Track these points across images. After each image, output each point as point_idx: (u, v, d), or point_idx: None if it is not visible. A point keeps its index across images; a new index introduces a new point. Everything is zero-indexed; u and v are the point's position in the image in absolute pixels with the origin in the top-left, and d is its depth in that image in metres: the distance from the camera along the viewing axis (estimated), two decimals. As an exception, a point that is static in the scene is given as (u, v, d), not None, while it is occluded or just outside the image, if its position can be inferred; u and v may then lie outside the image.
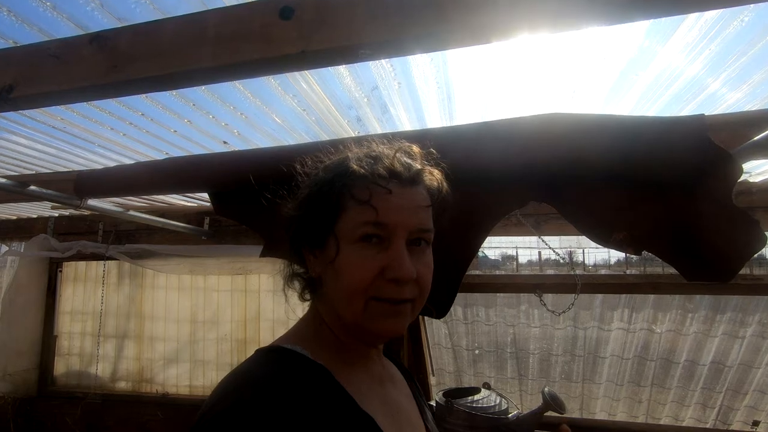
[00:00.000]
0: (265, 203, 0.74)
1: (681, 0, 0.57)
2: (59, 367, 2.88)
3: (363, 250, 0.56)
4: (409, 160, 0.61)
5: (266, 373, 0.54)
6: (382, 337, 0.63)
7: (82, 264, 2.90)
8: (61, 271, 2.93)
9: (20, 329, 2.73)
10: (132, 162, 1.56)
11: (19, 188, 1.41)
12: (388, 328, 0.58)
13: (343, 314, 0.59)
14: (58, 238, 2.69)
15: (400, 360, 0.83)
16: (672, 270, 1.19)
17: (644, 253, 1.22)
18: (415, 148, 0.65)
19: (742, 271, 1.82)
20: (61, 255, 2.63)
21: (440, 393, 2.00)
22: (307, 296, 0.67)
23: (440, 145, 0.71)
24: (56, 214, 2.77)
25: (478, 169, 1.12)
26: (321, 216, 0.59)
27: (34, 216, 2.87)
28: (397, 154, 0.61)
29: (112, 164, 1.69)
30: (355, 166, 0.59)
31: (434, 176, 0.63)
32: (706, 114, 1.02)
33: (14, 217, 2.92)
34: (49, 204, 2.35)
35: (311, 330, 0.64)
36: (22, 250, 2.79)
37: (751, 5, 0.81)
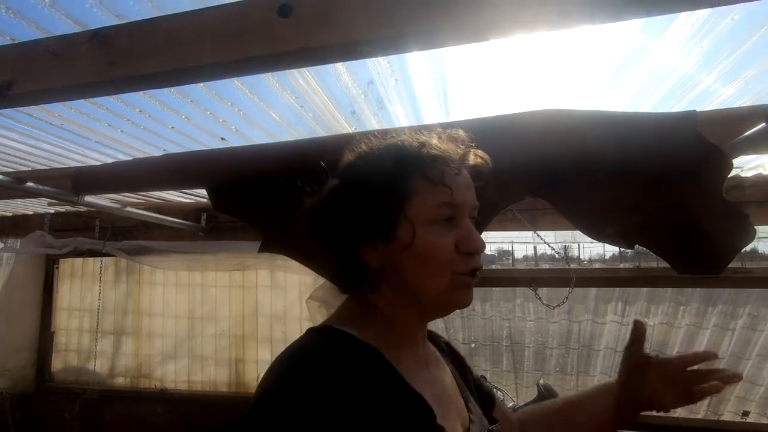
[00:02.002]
0: (267, 199, 0.74)
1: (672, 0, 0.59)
2: (57, 364, 2.88)
3: (440, 230, 0.59)
4: (456, 144, 0.64)
5: (320, 351, 0.56)
6: (455, 309, 0.66)
7: (78, 260, 2.89)
8: (57, 268, 2.92)
9: (17, 326, 2.73)
10: (129, 158, 1.57)
11: (16, 184, 1.41)
12: (467, 298, 0.62)
13: (427, 294, 0.60)
14: (54, 235, 2.68)
15: (443, 339, 0.85)
16: (665, 264, 1.22)
17: (637, 247, 1.24)
18: (461, 132, 0.66)
19: (733, 264, 1.85)
20: (58, 252, 2.62)
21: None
22: (350, 288, 0.67)
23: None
24: (52, 211, 2.77)
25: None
26: (390, 203, 0.59)
27: (30, 212, 2.86)
28: (446, 137, 0.64)
29: (109, 161, 1.69)
30: (424, 150, 0.60)
31: (480, 156, 0.66)
32: (698, 110, 1.04)
33: (10, 214, 2.91)
34: (44, 200, 2.34)
35: (360, 315, 0.64)
36: (18, 247, 2.79)
37: (740, 4, 0.82)
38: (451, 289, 0.60)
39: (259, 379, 0.54)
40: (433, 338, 0.80)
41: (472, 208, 0.62)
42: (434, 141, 0.63)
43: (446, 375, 0.72)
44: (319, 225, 0.65)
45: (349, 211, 0.61)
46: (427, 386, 0.62)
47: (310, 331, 0.62)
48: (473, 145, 0.66)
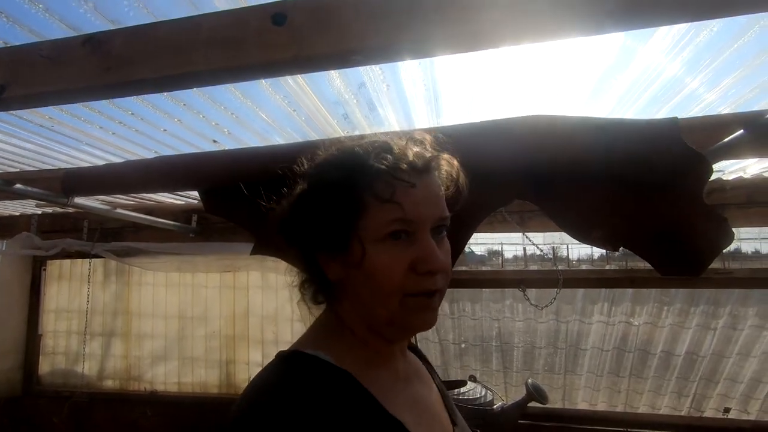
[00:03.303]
0: (259, 202, 0.73)
1: (652, 15, 0.61)
2: (44, 366, 2.85)
3: (391, 248, 0.54)
4: (420, 149, 0.59)
5: (285, 385, 0.52)
6: (416, 332, 0.62)
7: (66, 262, 2.86)
8: (45, 270, 2.89)
9: (3, 329, 2.69)
10: (121, 161, 1.56)
11: (4, 186, 1.40)
12: (423, 321, 0.57)
13: (377, 315, 0.57)
14: (41, 236, 2.65)
15: (419, 349, 0.80)
16: (649, 265, 1.25)
17: (622, 248, 1.28)
18: (427, 136, 0.62)
19: (715, 265, 1.90)
20: (45, 253, 2.59)
21: (428, 386, 2.05)
22: (321, 300, 0.64)
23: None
24: (40, 212, 2.73)
25: (464, 168, 1.16)
26: (339, 218, 0.55)
27: (17, 213, 2.82)
28: (409, 143, 0.59)
29: (100, 163, 1.68)
30: (372, 162, 0.55)
31: (448, 162, 0.61)
32: (680, 117, 1.07)
33: (-5, 215, 2.87)
34: (32, 201, 2.31)
35: (331, 333, 0.60)
36: (4, 249, 2.75)
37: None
38: (403, 311, 0.55)
39: (229, 413, 0.52)
40: (411, 347, 0.76)
41: (436, 220, 0.56)
42: (392, 147, 0.57)
43: (430, 388, 0.69)
44: (285, 228, 0.62)
45: (308, 218, 0.58)
46: (408, 407, 0.59)
47: (279, 358, 0.57)
48: (443, 149, 0.62)
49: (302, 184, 0.62)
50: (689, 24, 0.92)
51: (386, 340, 0.61)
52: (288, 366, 0.55)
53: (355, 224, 0.55)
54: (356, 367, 0.56)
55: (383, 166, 0.54)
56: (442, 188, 0.59)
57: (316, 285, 0.63)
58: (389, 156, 0.55)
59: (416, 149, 0.59)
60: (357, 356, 0.58)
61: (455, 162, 0.63)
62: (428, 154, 0.59)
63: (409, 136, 0.62)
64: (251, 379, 0.56)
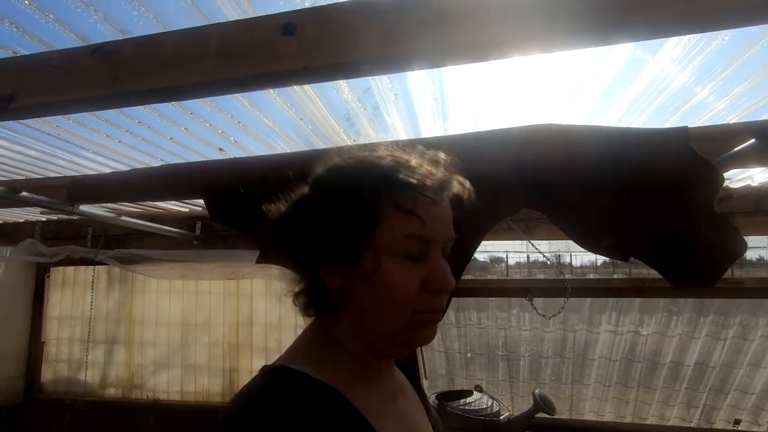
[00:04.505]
0: (264, 211, 0.72)
1: (660, 26, 0.61)
2: (46, 374, 2.84)
3: (405, 263, 0.54)
4: (437, 168, 0.59)
5: (272, 400, 0.50)
6: (414, 348, 0.62)
7: (70, 269, 2.86)
8: (48, 276, 2.88)
9: (6, 335, 2.69)
10: (127, 168, 1.56)
11: (10, 194, 1.40)
12: (426, 338, 0.57)
13: (380, 329, 0.56)
14: (45, 243, 2.65)
15: (401, 363, 0.78)
16: (657, 273, 1.24)
17: (631, 258, 1.26)
18: (442, 155, 0.62)
19: (724, 275, 1.88)
20: (49, 260, 2.59)
21: (433, 396, 2.03)
22: (312, 312, 0.62)
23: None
24: (44, 219, 2.74)
25: (471, 177, 1.15)
26: (355, 227, 0.54)
27: (21, 220, 2.83)
28: (427, 161, 0.59)
29: (106, 170, 1.68)
30: (398, 174, 0.54)
31: (462, 184, 0.62)
32: (689, 126, 1.07)
33: (0, 222, 2.88)
34: (36, 208, 2.32)
35: (319, 348, 0.59)
36: (8, 255, 2.75)
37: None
38: (410, 326, 0.55)
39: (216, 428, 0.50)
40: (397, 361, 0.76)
41: (446, 241, 0.57)
42: (413, 163, 0.57)
43: (414, 404, 0.68)
44: (281, 235, 0.60)
45: (313, 226, 0.56)
46: (395, 424, 0.58)
47: (264, 373, 0.56)
48: (455, 170, 0.62)
49: (304, 190, 0.60)
50: (701, 34, 0.91)
51: (380, 355, 0.60)
52: (273, 382, 0.53)
53: (370, 234, 0.54)
54: (344, 383, 0.54)
55: (410, 180, 0.54)
56: (451, 210, 0.60)
57: (310, 296, 0.61)
58: (415, 171, 0.55)
59: (435, 168, 0.59)
60: (345, 372, 0.56)
61: (467, 184, 0.63)
62: (446, 175, 0.59)
63: (427, 154, 0.61)
64: (237, 393, 0.54)
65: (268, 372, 0.55)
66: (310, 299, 0.61)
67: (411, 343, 0.58)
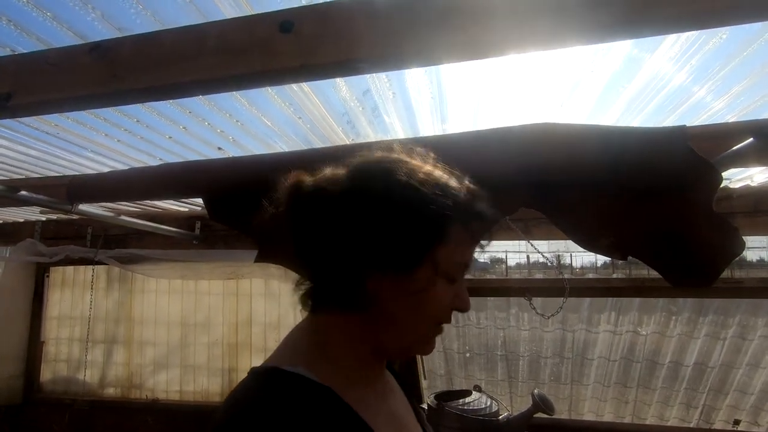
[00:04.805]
0: (269, 210, 0.70)
1: (661, 23, 0.61)
2: (46, 374, 2.84)
3: (446, 283, 0.57)
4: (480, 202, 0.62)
5: (262, 407, 0.49)
6: (422, 355, 0.67)
7: (69, 269, 2.86)
8: (48, 276, 2.88)
9: (5, 335, 2.69)
10: (126, 168, 1.56)
11: (9, 193, 1.40)
12: (431, 349, 0.62)
13: (405, 338, 0.58)
14: (45, 243, 2.65)
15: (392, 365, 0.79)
16: (656, 273, 1.24)
17: (629, 257, 1.26)
18: (466, 181, 0.62)
19: (723, 274, 1.88)
20: (49, 260, 2.59)
21: (432, 396, 2.02)
22: (323, 309, 0.60)
23: (433, 153, 0.73)
24: (44, 218, 2.74)
25: (470, 177, 1.15)
26: (424, 240, 0.54)
27: (21, 220, 2.83)
28: (476, 195, 0.61)
29: (105, 170, 1.68)
30: (473, 204, 0.58)
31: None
32: (688, 125, 1.06)
33: (0, 221, 2.88)
34: (35, 208, 2.32)
35: (316, 348, 0.58)
36: (8, 255, 2.75)
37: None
38: (429, 338, 0.60)
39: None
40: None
41: None
42: (476, 193, 0.60)
43: (403, 404, 0.68)
44: (319, 229, 0.56)
45: (370, 228, 0.54)
46: (389, 424, 0.59)
47: (254, 375, 0.54)
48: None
49: (346, 183, 0.57)
50: (698, 32, 0.91)
51: (382, 359, 0.62)
52: (266, 384, 0.52)
53: (433, 251, 0.55)
54: (340, 383, 0.54)
55: (479, 210, 0.58)
56: None
57: (336, 294, 0.58)
58: (482, 200, 0.59)
59: (478, 201, 0.61)
60: (342, 372, 0.56)
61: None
62: (483, 206, 0.62)
63: (472, 186, 0.61)
64: (227, 397, 0.53)
65: (258, 373, 0.54)
66: (331, 297, 0.59)
67: (417, 353, 0.64)
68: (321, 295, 0.60)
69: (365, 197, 0.55)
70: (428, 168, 0.59)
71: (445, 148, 1.13)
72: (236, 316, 2.65)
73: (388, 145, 0.65)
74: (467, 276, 0.63)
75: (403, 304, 0.56)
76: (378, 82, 1.13)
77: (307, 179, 0.60)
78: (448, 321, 0.59)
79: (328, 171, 0.60)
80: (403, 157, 0.60)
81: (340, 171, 0.60)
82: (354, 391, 0.55)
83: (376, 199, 0.55)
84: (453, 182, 0.59)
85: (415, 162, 0.60)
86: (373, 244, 0.54)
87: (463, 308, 0.60)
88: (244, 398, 0.52)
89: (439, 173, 0.59)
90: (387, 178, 0.55)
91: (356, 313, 0.57)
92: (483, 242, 0.61)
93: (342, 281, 0.56)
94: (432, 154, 0.63)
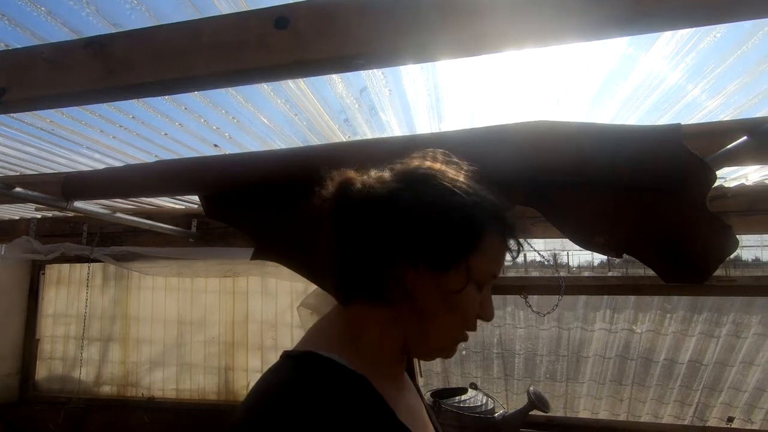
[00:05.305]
0: (260, 206, 0.71)
1: (655, 20, 0.61)
2: (41, 372, 2.83)
3: (475, 289, 0.59)
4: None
5: (302, 391, 0.50)
6: (442, 358, 0.68)
7: (65, 266, 2.85)
8: (43, 274, 2.87)
9: (1, 333, 2.68)
10: (121, 164, 1.56)
11: (4, 190, 1.39)
12: (452, 354, 0.64)
13: (432, 339, 0.60)
14: (40, 240, 2.64)
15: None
16: (651, 272, 1.24)
17: (625, 255, 1.27)
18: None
19: (718, 273, 1.89)
20: (44, 257, 2.58)
21: (428, 393, 2.03)
22: (357, 300, 0.61)
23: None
24: (39, 216, 2.73)
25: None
26: (464, 243, 0.57)
27: (16, 217, 2.81)
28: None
29: (100, 166, 1.68)
30: (510, 217, 0.61)
31: None
32: (682, 123, 1.07)
33: (-5, 219, 2.87)
34: (31, 205, 2.31)
35: (347, 334, 0.60)
36: (3, 253, 2.74)
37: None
38: (452, 343, 0.61)
39: (234, 417, 0.49)
40: None
41: None
42: (505, 207, 0.63)
43: (417, 400, 0.70)
44: (366, 223, 0.58)
45: (415, 225, 0.56)
46: (409, 415, 0.60)
47: (288, 360, 0.56)
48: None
49: (396, 183, 0.59)
50: (692, 30, 0.91)
51: (405, 357, 0.64)
52: (303, 370, 0.54)
53: (470, 255, 0.57)
54: (370, 372, 0.56)
55: (514, 224, 0.61)
56: None
57: (370, 285, 0.59)
58: (513, 215, 0.62)
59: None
60: (371, 363, 0.58)
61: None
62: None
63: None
64: (258, 381, 0.54)
65: (294, 357, 0.56)
66: (365, 288, 0.60)
67: (438, 356, 0.64)
68: (357, 287, 0.61)
69: (415, 198, 0.58)
70: (466, 177, 0.62)
71: (441, 146, 1.14)
72: (233, 314, 2.65)
73: (424, 152, 0.67)
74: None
75: (435, 303, 0.58)
76: (374, 79, 1.13)
77: (357, 177, 0.63)
78: (473, 328, 0.60)
79: (373, 173, 0.63)
80: (441, 166, 0.63)
81: (386, 174, 0.63)
82: (380, 380, 0.57)
83: (425, 201, 0.58)
84: (491, 195, 0.62)
85: (452, 171, 0.62)
86: (418, 240, 0.57)
87: (488, 317, 0.61)
88: (282, 380, 0.53)
89: (478, 185, 0.62)
90: (435, 183, 0.59)
91: (390, 308, 0.59)
92: (512, 255, 0.63)
93: (383, 273, 0.58)
94: (466, 164, 0.65)
